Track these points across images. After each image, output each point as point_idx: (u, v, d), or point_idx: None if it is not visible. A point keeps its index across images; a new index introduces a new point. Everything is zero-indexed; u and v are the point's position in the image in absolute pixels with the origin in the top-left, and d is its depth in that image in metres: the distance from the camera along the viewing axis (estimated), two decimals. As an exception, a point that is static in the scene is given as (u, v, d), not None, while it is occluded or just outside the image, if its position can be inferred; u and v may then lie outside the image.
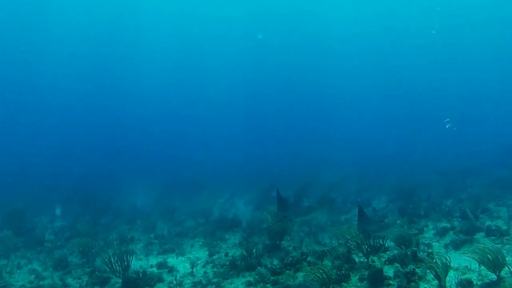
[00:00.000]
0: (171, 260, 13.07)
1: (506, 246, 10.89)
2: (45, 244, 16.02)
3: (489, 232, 12.15)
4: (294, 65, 74.69)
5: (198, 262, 12.34)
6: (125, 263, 11.06)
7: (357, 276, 9.54)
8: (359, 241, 10.44)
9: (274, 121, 74.00)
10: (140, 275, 10.90)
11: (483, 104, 68.27)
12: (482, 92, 71.91)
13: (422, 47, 71.09)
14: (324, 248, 11.64)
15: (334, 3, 61.90)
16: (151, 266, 12.47)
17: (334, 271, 9.08)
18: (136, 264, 12.56)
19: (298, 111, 78.09)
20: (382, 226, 10.90)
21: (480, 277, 9.00)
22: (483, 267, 9.18)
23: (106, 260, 11.00)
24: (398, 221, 12.92)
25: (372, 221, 11.29)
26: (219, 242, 14.83)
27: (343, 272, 9.43)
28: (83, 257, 13.39)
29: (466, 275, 9.08)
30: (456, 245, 11.63)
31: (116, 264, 10.98)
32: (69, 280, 11.69)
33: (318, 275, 8.55)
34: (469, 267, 9.61)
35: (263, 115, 77.09)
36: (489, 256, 8.52)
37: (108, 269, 11.13)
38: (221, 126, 73.12)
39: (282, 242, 12.97)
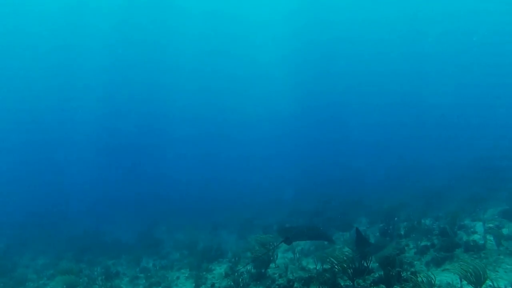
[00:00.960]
0: (164, 294, 13.09)
1: (484, 261, 11.22)
2: (26, 284, 15.82)
3: (468, 248, 12.48)
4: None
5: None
6: (112, 299, 10.99)
7: (344, 300, 9.72)
8: (345, 265, 10.62)
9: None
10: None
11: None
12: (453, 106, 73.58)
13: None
14: (310, 274, 11.77)
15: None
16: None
17: (322, 297, 9.25)
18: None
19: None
20: (379, 247, 11.23)
21: (462, 293, 9.28)
22: (464, 282, 9.48)
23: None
24: (395, 243, 13.29)
25: (369, 242, 11.63)
26: (204, 273, 14.79)
27: (330, 297, 9.62)
28: (67, 295, 13.11)
29: (449, 292, 9.36)
30: (437, 262, 11.92)
31: (103, 301, 10.90)
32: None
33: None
34: (451, 283, 9.90)
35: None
36: (471, 271, 8.80)
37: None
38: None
39: (268, 270, 13.07)
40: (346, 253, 11.16)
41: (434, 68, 73.18)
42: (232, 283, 11.87)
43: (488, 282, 8.94)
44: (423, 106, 73.44)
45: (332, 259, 11.06)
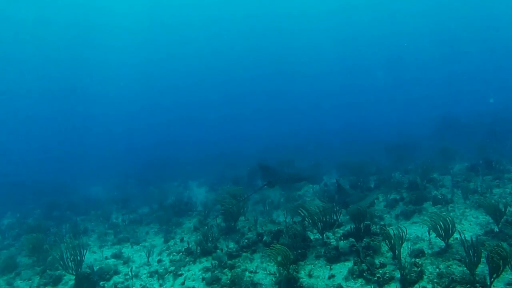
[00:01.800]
0: (126, 250, 12.79)
1: (451, 213, 11.31)
2: (-11, 246, 15.25)
3: (436, 201, 12.59)
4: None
5: (154, 250, 12.21)
6: (78, 257, 10.65)
7: (313, 254, 9.67)
8: (315, 218, 10.56)
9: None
10: (94, 269, 10.60)
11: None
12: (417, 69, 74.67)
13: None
14: (279, 227, 11.70)
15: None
16: (106, 258, 12.13)
17: (291, 250, 9.14)
18: (90, 257, 12.22)
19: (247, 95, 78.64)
20: (360, 197, 11.25)
21: (430, 245, 9.33)
22: (433, 235, 9.54)
23: (58, 256, 10.45)
24: (376, 193, 13.27)
25: (350, 193, 11.63)
26: (174, 227, 14.60)
27: (299, 251, 9.54)
28: (33, 255, 12.45)
29: (418, 245, 9.40)
30: (406, 215, 12.00)
31: (69, 260, 10.53)
32: (18, 283, 11.06)
33: (275, 256, 8.60)
34: (420, 236, 9.96)
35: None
36: (441, 224, 8.86)
37: (60, 266, 10.65)
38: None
39: (237, 223, 12.96)
40: (316, 205, 11.08)
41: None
42: (201, 237, 11.70)
43: (456, 235, 9.00)
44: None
45: (303, 210, 10.98)
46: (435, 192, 13.69)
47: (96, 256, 12.55)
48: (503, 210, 9.69)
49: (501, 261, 6.93)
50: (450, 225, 8.83)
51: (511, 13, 65.39)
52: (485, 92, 51.41)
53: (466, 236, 8.98)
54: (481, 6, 65.68)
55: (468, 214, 11.40)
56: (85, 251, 10.98)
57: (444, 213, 10.24)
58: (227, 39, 77.17)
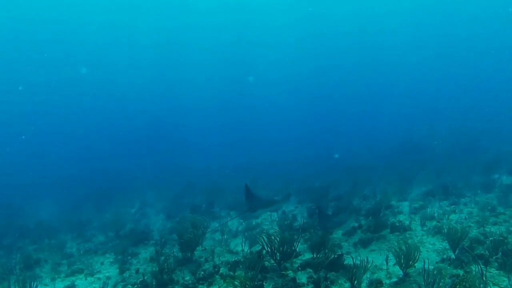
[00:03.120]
0: (80, 282, 12.19)
1: (409, 241, 11.32)
2: None
3: (394, 228, 12.61)
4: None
5: (109, 282, 11.74)
6: (28, 292, 10.12)
7: (271, 286, 9.43)
8: (273, 248, 10.37)
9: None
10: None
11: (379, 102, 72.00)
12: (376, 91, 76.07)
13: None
14: (237, 258, 11.46)
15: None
16: (58, 291, 11.66)
17: (248, 282, 8.90)
18: (42, 290, 11.71)
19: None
20: (340, 222, 11.32)
21: (388, 275, 9.26)
22: (391, 264, 9.49)
23: (6, 290, 9.96)
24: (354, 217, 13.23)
25: (331, 218, 11.65)
26: (129, 257, 14.12)
27: (256, 283, 9.29)
28: (-22, 289, 11.94)
29: (376, 275, 9.30)
30: (364, 243, 11.94)
31: (18, 294, 9.99)
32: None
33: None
34: (378, 265, 9.88)
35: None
36: (404, 253, 8.85)
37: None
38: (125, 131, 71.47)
39: (195, 252, 12.64)
40: (274, 233, 10.90)
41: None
42: (156, 269, 11.32)
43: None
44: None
45: (262, 240, 10.77)
46: (392, 219, 13.70)
47: (47, 289, 11.99)
48: (461, 236, 9.75)
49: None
50: (412, 256, 8.82)
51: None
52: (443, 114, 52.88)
53: (422, 263, 8.97)
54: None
55: (426, 241, 11.45)
56: (36, 283, 10.46)
57: (410, 241, 10.23)
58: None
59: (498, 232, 10.75)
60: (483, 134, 32.83)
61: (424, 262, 8.59)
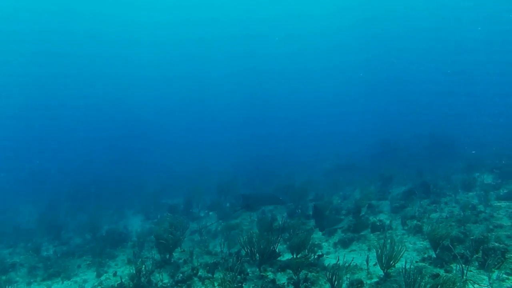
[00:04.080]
0: (57, 286, 11.92)
1: (388, 241, 11.20)
2: None
3: (374, 228, 12.51)
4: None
5: (85, 286, 11.44)
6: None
7: (250, 287, 9.26)
8: (252, 249, 10.19)
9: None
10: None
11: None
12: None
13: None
14: (215, 259, 11.25)
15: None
16: (35, 296, 11.31)
17: (227, 284, 8.68)
18: (18, 295, 11.36)
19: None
20: (336, 220, 11.38)
21: (369, 275, 9.13)
22: (371, 264, 9.37)
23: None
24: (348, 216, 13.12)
25: (326, 217, 11.65)
26: (107, 260, 13.81)
27: (235, 285, 9.08)
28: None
29: (356, 275, 9.17)
30: (345, 243, 11.81)
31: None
32: None
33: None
34: (358, 265, 9.75)
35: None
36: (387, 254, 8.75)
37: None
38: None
39: (173, 254, 12.39)
40: (254, 234, 10.71)
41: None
42: (133, 271, 11.04)
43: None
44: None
45: (241, 241, 10.56)
46: (373, 218, 13.59)
47: (24, 294, 11.64)
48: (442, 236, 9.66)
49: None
50: (394, 257, 8.71)
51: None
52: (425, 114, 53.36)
53: (403, 263, 8.87)
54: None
55: (406, 240, 11.36)
56: (11, 288, 10.15)
57: (394, 245, 10.12)
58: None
59: (478, 231, 10.70)
60: (463, 133, 33.04)
61: (406, 261, 8.49)
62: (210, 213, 19.30)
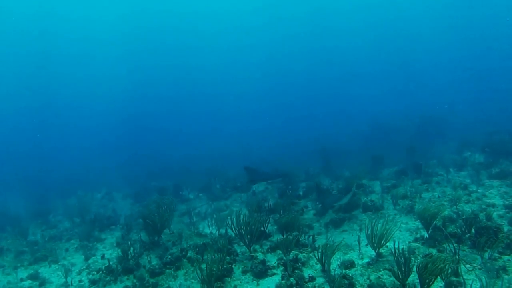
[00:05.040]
0: (44, 270, 11.62)
1: (381, 220, 11.06)
2: None
3: (366, 208, 12.38)
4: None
5: (73, 269, 11.23)
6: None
7: (240, 269, 9.08)
8: (242, 230, 10.03)
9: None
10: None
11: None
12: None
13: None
14: (205, 240, 11.08)
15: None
16: (21, 280, 11.01)
17: (216, 266, 8.51)
18: (4, 280, 11.05)
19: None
20: (339, 197, 11.74)
21: (360, 255, 9.01)
22: (362, 244, 9.25)
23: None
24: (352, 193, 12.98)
25: (331, 194, 12.49)
26: (95, 243, 13.59)
27: (225, 266, 8.91)
28: None
29: (348, 255, 9.05)
30: (336, 224, 11.64)
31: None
32: None
33: (199, 272, 8.00)
34: (350, 245, 9.62)
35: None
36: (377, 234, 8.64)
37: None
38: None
39: (162, 236, 12.20)
40: (243, 215, 10.53)
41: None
42: (122, 254, 10.84)
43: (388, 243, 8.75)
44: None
45: (230, 222, 10.39)
46: (364, 198, 13.45)
47: (10, 278, 11.33)
48: (433, 215, 9.54)
49: (431, 273, 6.70)
50: (385, 237, 8.58)
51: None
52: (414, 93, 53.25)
53: (396, 243, 8.76)
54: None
55: (398, 220, 11.24)
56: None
57: (382, 220, 9.99)
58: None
59: (470, 211, 10.59)
60: (455, 113, 32.85)
61: (394, 242, 8.39)
62: (200, 194, 19.08)
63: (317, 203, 13.18)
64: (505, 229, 9.09)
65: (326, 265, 8.03)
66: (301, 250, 9.40)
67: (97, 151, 45.90)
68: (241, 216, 10.33)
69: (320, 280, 8.00)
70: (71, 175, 30.38)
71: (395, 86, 65.95)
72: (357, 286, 7.53)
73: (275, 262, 9.10)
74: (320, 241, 9.77)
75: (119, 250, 11.39)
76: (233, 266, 9.19)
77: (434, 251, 8.60)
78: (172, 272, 9.66)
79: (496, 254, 8.08)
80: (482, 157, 17.75)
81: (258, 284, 8.37)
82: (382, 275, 7.89)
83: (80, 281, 10.40)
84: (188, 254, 10.26)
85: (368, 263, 8.45)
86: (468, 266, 7.78)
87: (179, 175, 22.48)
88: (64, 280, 10.44)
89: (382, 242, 8.61)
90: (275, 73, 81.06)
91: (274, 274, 8.66)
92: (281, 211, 12.84)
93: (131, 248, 11.01)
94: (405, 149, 20.61)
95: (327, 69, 79.17)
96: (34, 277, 10.99)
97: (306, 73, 79.61)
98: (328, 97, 68.10)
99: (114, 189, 23.69)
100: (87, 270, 11.08)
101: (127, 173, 27.95)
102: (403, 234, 10.16)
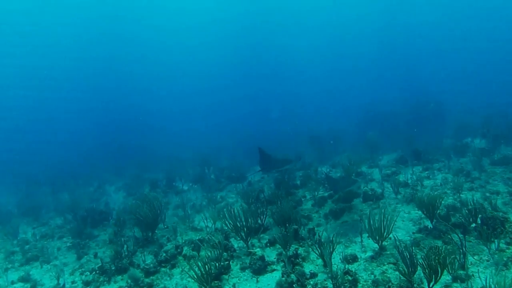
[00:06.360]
0: (35, 271, 11.15)
1: (382, 210, 10.72)
2: None
3: (366, 197, 11.99)
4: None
5: (66, 269, 10.83)
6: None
7: (238, 265, 8.72)
8: (238, 224, 9.65)
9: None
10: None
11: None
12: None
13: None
14: (200, 235, 10.71)
15: None
16: (12, 283, 10.56)
17: (213, 263, 8.14)
18: (-6, 282, 10.68)
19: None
20: (348, 183, 11.25)
21: (363, 248, 8.66)
22: (364, 236, 8.90)
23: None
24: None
25: (338, 182, 11.74)
26: (87, 241, 13.12)
27: (222, 263, 8.55)
28: None
29: (350, 248, 8.70)
30: (336, 214, 11.25)
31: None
32: None
33: (196, 271, 7.63)
34: (351, 238, 9.27)
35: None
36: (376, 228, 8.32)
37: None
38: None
39: (156, 232, 11.82)
40: (239, 208, 10.16)
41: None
42: (114, 252, 10.43)
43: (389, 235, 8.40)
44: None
45: (225, 217, 9.99)
46: (365, 187, 13.05)
47: (0, 281, 10.94)
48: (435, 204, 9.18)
49: (438, 266, 6.36)
50: (386, 230, 8.24)
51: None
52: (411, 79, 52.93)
53: (399, 234, 8.42)
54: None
55: (400, 209, 10.90)
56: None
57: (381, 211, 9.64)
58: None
59: (474, 199, 10.23)
60: (453, 98, 32.49)
61: (396, 238, 8.04)
62: (194, 186, 18.63)
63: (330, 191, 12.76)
64: (511, 217, 8.73)
65: (327, 259, 7.67)
66: (301, 243, 9.05)
67: (84, 144, 45.44)
68: (237, 209, 9.96)
69: (322, 277, 7.64)
70: (62, 168, 29.83)
71: (393, 74, 65.36)
72: (361, 282, 7.18)
73: (274, 258, 8.73)
74: (320, 233, 9.37)
75: (113, 247, 11.00)
76: (230, 262, 8.83)
77: (439, 243, 8.23)
78: (168, 270, 9.29)
79: (503, 245, 7.75)
80: (484, 143, 17.39)
81: (257, 281, 8.01)
82: (386, 269, 7.54)
83: (73, 282, 9.96)
84: (184, 251, 9.89)
85: (372, 257, 8.09)
86: (476, 257, 7.45)
87: (170, 165, 21.98)
88: (56, 282, 10.03)
89: (385, 234, 8.26)
90: (276, 68, 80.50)
91: (274, 270, 8.30)
92: (279, 202, 12.43)
93: (125, 246, 10.64)
94: (403, 135, 20.27)
95: (325, 65, 78.68)
96: (25, 279, 10.53)
97: (302, 67, 79.00)
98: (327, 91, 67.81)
99: (107, 182, 23.25)
100: (80, 270, 10.62)
101: (118, 164, 27.55)
102: (406, 224, 9.80)
